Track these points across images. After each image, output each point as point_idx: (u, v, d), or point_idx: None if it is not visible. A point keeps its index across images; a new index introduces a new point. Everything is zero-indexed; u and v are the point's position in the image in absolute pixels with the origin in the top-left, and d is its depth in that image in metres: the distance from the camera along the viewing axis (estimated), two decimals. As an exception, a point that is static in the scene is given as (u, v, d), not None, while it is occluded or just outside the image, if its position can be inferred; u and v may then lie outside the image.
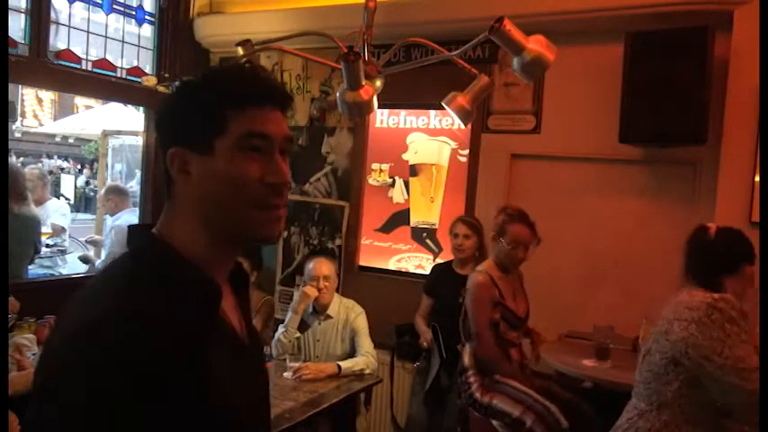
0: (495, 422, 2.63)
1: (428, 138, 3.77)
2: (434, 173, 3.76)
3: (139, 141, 4.59)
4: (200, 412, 0.76)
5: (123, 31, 4.02)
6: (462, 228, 3.25)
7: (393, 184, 3.87)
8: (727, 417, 1.90)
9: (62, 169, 16.59)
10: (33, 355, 2.85)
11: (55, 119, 15.47)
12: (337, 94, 2.25)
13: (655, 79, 2.79)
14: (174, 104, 0.89)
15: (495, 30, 1.91)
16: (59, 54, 3.57)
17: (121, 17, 3.99)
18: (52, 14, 3.52)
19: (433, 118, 3.75)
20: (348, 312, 3.21)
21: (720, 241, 1.96)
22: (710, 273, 1.93)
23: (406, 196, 3.84)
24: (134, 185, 7.07)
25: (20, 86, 11.90)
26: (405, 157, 3.83)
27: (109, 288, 0.81)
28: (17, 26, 3.37)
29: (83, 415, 0.71)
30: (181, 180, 0.86)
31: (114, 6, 3.91)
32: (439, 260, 3.64)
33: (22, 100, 15.06)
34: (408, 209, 3.83)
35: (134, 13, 4.06)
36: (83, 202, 14.74)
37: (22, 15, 3.39)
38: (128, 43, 4.03)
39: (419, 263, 3.80)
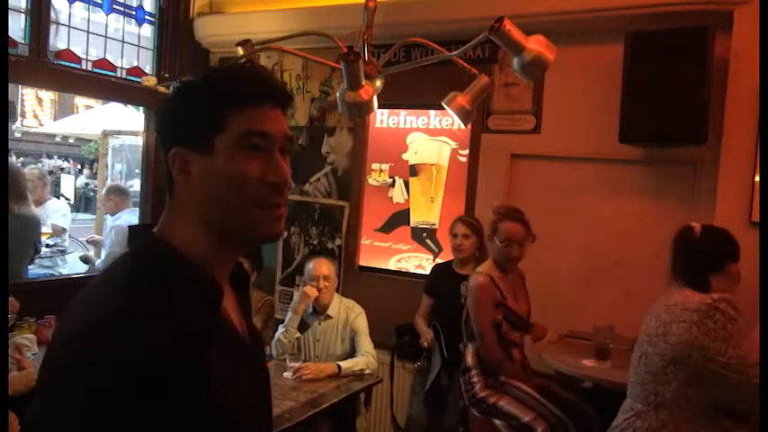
0: (498, 422, 2.62)
1: (428, 138, 3.77)
2: (434, 173, 3.76)
3: (139, 141, 4.59)
4: (200, 412, 0.76)
5: (123, 31, 4.02)
6: (462, 228, 3.25)
7: (393, 184, 3.87)
8: (726, 414, 1.93)
9: (62, 169, 16.59)
10: (33, 355, 2.85)
11: (55, 119, 15.48)
12: (337, 94, 2.25)
13: (655, 79, 2.79)
14: (173, 105, 0.89)
15: (495, 30, 1.91)
16: (59, 54, 3.57)
17: (121, 17, 3.99)
18: (52, 14, 3.52)
19: (433, 118, 3.75)
20: (348, 312, 3.21)
21: (706, 240, 1.99)
22: (697, 271, 1.96)
23: (406, 196, 3.84)
24: (134, 185, 7.07)
25: (20, 86, 11.91)
26: (405, 157, 3.83)
27: (109, 288, 0.81)
28: (17, 26, 3.37)
29: (83, 415, 0.71)
30: (182, 180, 0.86)
31: (114, 6, 3.91)
32: (439, 260, 3.64)
33: (22, 100, 15.07)
34: (408, 209, 3.83)
35: (134, 13, 4.06)
36: (83, 202, 14.74)
37: (22, 15, 3.39)
38: (128, 43, 4.03)
39: (419, 263, 3.80)
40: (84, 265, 4.83)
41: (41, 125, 15.60)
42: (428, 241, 3.78)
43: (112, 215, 4.66)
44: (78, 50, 3.69)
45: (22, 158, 14.96)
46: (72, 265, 5.05)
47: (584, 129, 3.24)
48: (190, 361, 0.76)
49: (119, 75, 3.91)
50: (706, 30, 2.73)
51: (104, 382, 0.71)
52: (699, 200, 3.00)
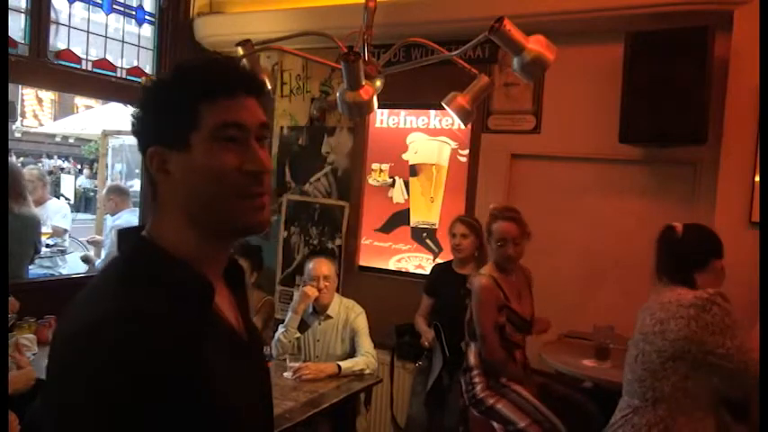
0: (496, 425, 2.64)
1: (428, 138, 3.77)
2: (434, 173, 3.76)
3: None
4: (200, 411, 0.76)
5: (123, 31, 4.02)
6: (461, 227, 3.25)
7: (393, 184, 3.87)
8: (727, 409, 2.03)
9: (62, 169, 16.59)
10: (33, 355, 2.85)
11: (55, 119, 15.48)
12: (337, 94, 2.24)
13: (655, 79, 2.79)
14: (145, 104, 0.88)
15: (495, 30, 1.91)
16: (59, 54, 3.57)
17: (121, 17, 3.99)
18: (52, 14, 3.52)
19: (433, 118, 3.75)
20: (348, 312, 3.21)
21: (688, 238, 2.04)
22: (682, 269, 2.00)
23: (406, 196, 3.84)
24: (134, 185, 7.07)
25: (20, 86, 11.91)
26: (405, 157, 3.83)
27: (106, 290, 0.81)
28: (17, 26, 3.37)
29: (83, 415, 0.71)
30: (162, 179, 0.86)
31: (114, 6, 3.91)
32: (439, 260, 3.64)
33: (22, 100, 15.07)
34: (408, 209, 3.83)
35: (134, 13, 4.06)
36: (83, 202, 14.75)
37: (22, 15, 3.39)
38: (128, 43, 4.03)
39: (419, 263, 3.80)
40: (84, 265, 4.83)
41: (41, 125, 15.60)
42: (428, 241, 3.78)
43: (112, 215, 4.66)
44: (78, 50, 3.69)
45: (21, 158, 14.96)
46: (72, 265, 5.05)
47: (584, 129, 3.24)
48: (189, 360, 0.76)
49: (119, 75, 3.91)
50: (706, 30, 2.72)
51: (104, 382, 0.71)
52: (699, 200, 2.99)
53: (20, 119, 15.02)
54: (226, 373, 0.82)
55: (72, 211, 7.16)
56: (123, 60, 3.98)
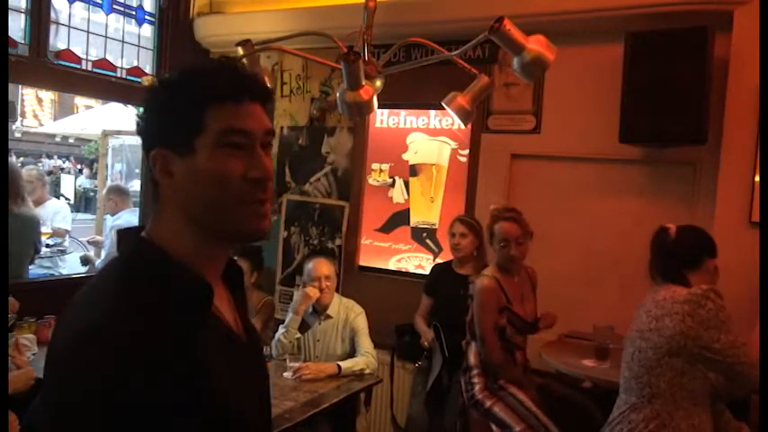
0: (494, 427, 2.64)
1: (428, 138, 3.77)
2: (434, 173, 3.76)
3: (139, 141, 4.57)
4: (199, 411, 0.76)
5: (123, 31, 4.02)
6: (460, 227, 3.25)
7: (393, 184, 3.87)
8: (724, 403, 2.08)
9: (62, 169, 16.59)
10: (33, 355, 2.85)
11: (55, 119, 15.48)
12: (337, 94, 2.24)
13: (655, 79, 2.79)
14: (151, 105, 0.88)
15: (495, 30, 1.91)
16: (59, 54, 3.57)
17: (121, 17, 3.99)
18: (52, 14, 3.52)
19: (433, 118, 3.75)
20: (348, 312, 3.21)
21: (681, 239, 2.08)
22: (674, 269, 2.05)
23: (406, 196, 3.84)
24: (134, 185, 7.06)
25: (20, 86, 11.92)
26: (405, 157, 3.83)
27: (105, 290, 0.82)
28: (17, 26, 3.37)
29: (80, 415, 0.71)
30: (164, 181, 0.86)
31: (114, 6, 3.91)
32: (439, 260, 3.64)
33: (22, 100, 15.07)
34: (408, 209, 3.83)
35: (134, 13, 4.06)
36: (83, 202, 14.75)
37: (22, 15, 3.39)
38: (128, 43, 4.04)
39: (419, 263, 3.80)
40: (85, 266, 4.83)
41: (41, 125, 15.61)
42: (428, 241, 3.78)
43: (112, 215, 4.66)
44: (78, 50, 3.69)
45: (21, 158, 14.97)
46: (72, 266, 5.05)
47: (584, 129, 3.24)
48: (187, 360, 0.76)
49: (119, 75, 3.91)
50: (706, 30, 2.72)
51: (102, 382, 0.71)
52: (699, 200, 3.00)
53: (20, 119, 15.03)
54: (225, 373, 0.83)
55: (72, 212, 7.16)
56: (123, 60, 3.98)
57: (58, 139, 16.87)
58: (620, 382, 2.11)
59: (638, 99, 2.84)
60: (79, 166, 17.44)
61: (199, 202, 0.84)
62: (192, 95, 0.84)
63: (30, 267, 3.93)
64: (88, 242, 5.44)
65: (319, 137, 4.02)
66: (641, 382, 1.98)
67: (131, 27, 4.11)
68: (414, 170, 3.82)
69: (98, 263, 4.63)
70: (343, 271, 3.85)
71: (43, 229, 4.30)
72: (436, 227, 3.76)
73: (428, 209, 3.79)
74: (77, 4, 3.68)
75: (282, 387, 2.80)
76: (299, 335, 3.15)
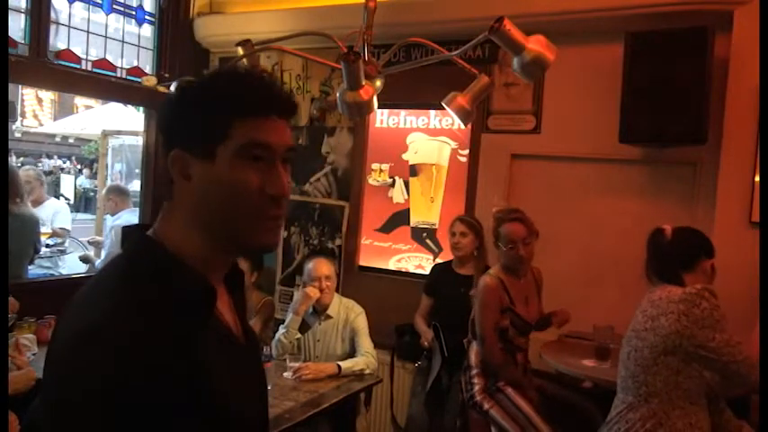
0: (493, 430, 2.65)
1: (428, 138, 3.77)
2: (434, 173, 3.76)
3: (139, 141, 4.59)
4: (200, 410, 0.76)
5: (123, 31, 4.02)
6: (460, 226, 3.25)
7: (393, 184, 3.87)
8: (719, 398, 2.09)
9: (62, 169, 16.60)
10: (33, 355, 2.85)
11: (55, 119, 15.49)
12: (337, 94, 2.24)
13: (655, 79, 2.79)
14: (176, 106, 0.88)
15: (495, 30, 1.91)
16: (59, 54, 3.57)
17: (121, 17, 3.99)
18: (52, 14, 3.52)
19: (433, 118, 3.75)
20: (348, 312, 3.21)
21: (676, 240, 2.10)
22: (669, 269, 2.07)
23: (406, 196, 3.84)
24: (134, 185, 7.06)
25: (20, 86, 11.93)
26: (405, 157, 3.83)
27: (106, 289, 0.81)
28: (17, 26, 3.37)
29: (80, 413, 0.71)
30: (181, 183, 0.86)
31: (114, 6, 3.91)
32: (439, 260, 3.64)
33: (22, 100, 15.08)
34: (408, 209, 3.83)
35: (134, 13, 4.06)
36: (83, 202, 14.75)
37: (22, 15, 3.39)
38: (128, 43, 4.03)
39: (419, 263, 3.80)
40: (84, 265, 4.82)
41: (41, 125, 15.62)
42: (428, 241, 3.78)
43: (112, 215, 4.66)
44: (78, 50, 3.69)
45: (21, 158, 14.98)
46: (72, 266, 5.05)
47: (584, 129, 3.24)
48: (187, 361, 0.76)
49: (119, 75, 3.91)
50: (706, 30, 2.72)
51: (102, 381, 0.71)
52: (699, 200, 3.00)
53: (20, 119, 15.04)
54: (225, 374, 0.83)
55: (72, 212, 7.16)
56: (123, 60, 3.98)
57: (57, 139, 16.88)
58: (618, 381, 2.12)
59: (638, 99, 2.84)
60: (79, 166, 17.44)
61: (213, 209, 0.84)
62: (220, 104, 0.84)
63: (29, 267, 3.93)
64: (88, 242, 5.44)
65: (319, 137, 4.02)
66: (638, 381, 2.00)
67: (131, 27, 4.11)
68: (414, 170, 3.82)
69: (98, 263, 4.63)
70: (343, 271, 3.85)
71: (43, 229, 4.30)
72: (436, 227, 3.76)
73: (428, 209, 3.79)
74: (77, 4, 3.68)
75: (282, 387, 2.80)
76: (299, 335, 3.14)
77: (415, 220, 3.82)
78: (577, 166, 3.33)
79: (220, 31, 4.08)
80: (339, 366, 2.99)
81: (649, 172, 3.18)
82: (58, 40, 3.63)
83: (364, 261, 3.95)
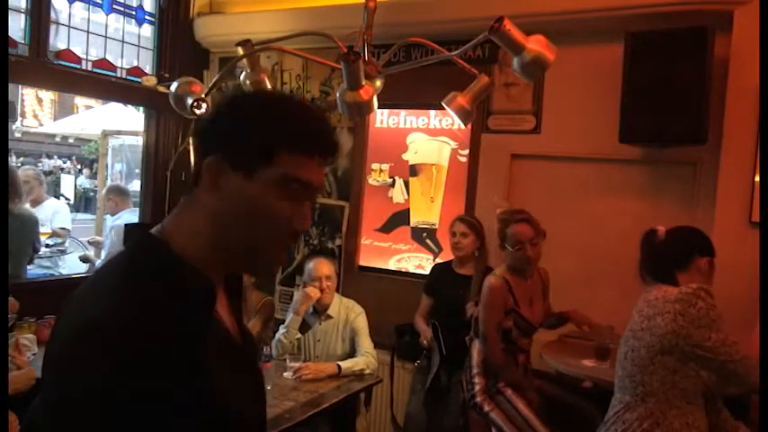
0: (493, 430, 2.66)
1: (428, 138, 3.77)
2: (434, 173, 3.76)
3: (139, 141, 4.59)
4: (199, 410, 0.76)
5: (123, 31, 4.02)
6: (460, 226, 3.25)
7: (393, 184, 3.87)
8: (713, 398, 2.09)
9: (62, 169, 16.59)
10: (33, 354, 2.85)
11: (55, 119, 15.48)
12: (337, 94, 2.24)
13: (655, 79, 2.79)
14: (230, 116, 0.88)
15: (495, 30, 1.91)
16: (59, 54, 3.57)
17: (121, 17, 4.00)
18: (52, 14, 3.52)
19: (433, 118, 3.75)
20: (348, 312, 3.21)
21: (669, 240, 2.10)
22: (662, 269, 2.07)
23: (406, 196, 3.84)
24: (134, 185, 7.06)
25: (20, 86, 11.91)
26: (405, 157, 3.83)
27: (106, 286, 0.81)
28: (17, 26, 3.37)
29: (80, 410, 0.71)
30: (209, 188, 0.86)
31: (114, 6, 3.91)
32: (439, 260, 3.64)
33: (22, 100, 15.07)
34: (408, 209, 3.83)
35: (134, 13, 4.06)
36: (83, 202, 14.75)
37: (22, 15, 3.39)
38: (128, 43, 4.04)
39: (419, 263, 3.80)
40: (84, 265, 4.82)
41: (41, 125, 15.61)
42: (428, 241, 3.78)
43: (112, 215, 4.66)
44: (78, 50, 3.69)
45: (21, 158, 14.97)
46: (72, 265, 5.05)
47: (584, 129, 3.24)
48: (188, 360, 0.76)
49: (119, 75, 3.91)
50: (706, 30, 2.72)
51: (102, 379, 0.71)
52: (699, 200, 2.99)
53: (20, 119, 15.03)
54: (225, 374, 0.83)
55: (72, 211, 7.16)
56: (123, 60, 3.98)
57: (57, 139, 16.87)
58: (615, 381, 2.12)
59: (638, 99, 2.84)
60: (79, 166, 17.44)
61: (234, 221, 0.85)
62: (277, 131, 0.86)
63: (29, 267, 3.93)
64: (88, 242, 5.44)
65: (319, 137, 4.01)
66: (634, 380, 2.00)
67: (131, 27, 4.11)
68: (414, 170, 3.82)
69: (98, 263, 4.63)
70: (343, 271, 3.85)
71: (42, 229, 4.30)
72: (436, 227, 3.76)
73: (428, 209, 3.79)
74: (77, 4, 3.68)
75: (282, 387, 2.80)
76: (299, 335, 3.14)
77: (415, 220, 3.82)
78: (577, 166, 3.33)
79: (220, 31, 4.08)
80: (339, 366, 2.99)
81: (649, 172, 3.18)
82: (58, 40, 3.63)
83: (364, 261, 3.95)
